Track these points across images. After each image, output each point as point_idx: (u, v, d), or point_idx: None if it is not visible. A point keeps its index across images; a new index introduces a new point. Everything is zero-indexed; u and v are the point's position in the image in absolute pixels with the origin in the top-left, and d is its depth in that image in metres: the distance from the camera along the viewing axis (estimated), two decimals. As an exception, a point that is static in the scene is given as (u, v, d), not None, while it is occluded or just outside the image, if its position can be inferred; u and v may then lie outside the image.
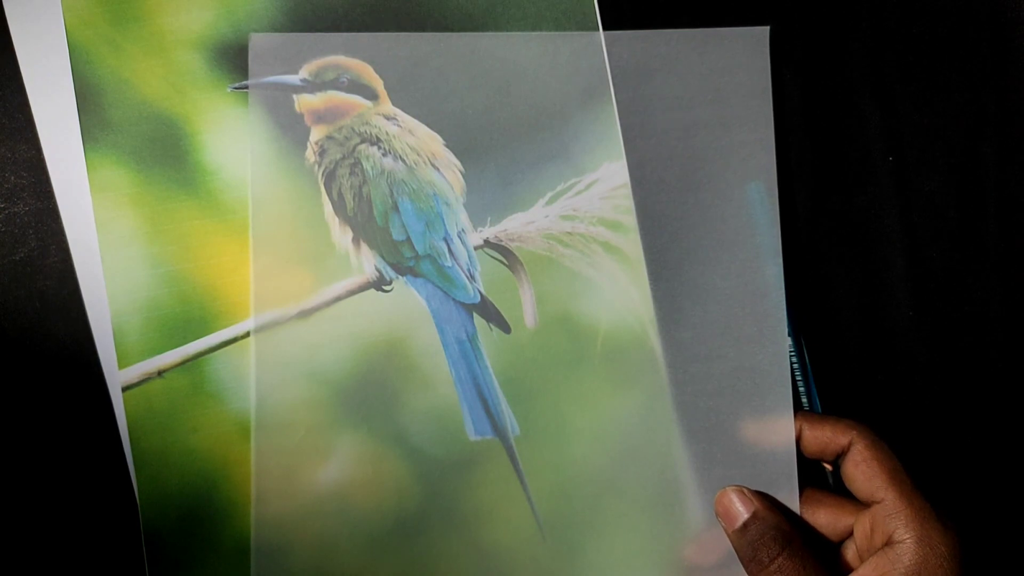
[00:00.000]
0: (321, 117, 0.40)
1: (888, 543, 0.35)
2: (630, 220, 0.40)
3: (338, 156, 0.40)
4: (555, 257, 0.40)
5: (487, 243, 0.40)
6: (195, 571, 0.39)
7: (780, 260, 0.40)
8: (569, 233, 0.40)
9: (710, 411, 0.40)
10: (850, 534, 0.38)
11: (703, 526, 0.39)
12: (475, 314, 0.40)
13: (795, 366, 0.42)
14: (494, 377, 0.40)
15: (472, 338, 0.40)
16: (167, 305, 0.39)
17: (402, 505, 0.40)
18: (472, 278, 0.40)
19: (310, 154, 0.40)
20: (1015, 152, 0.44)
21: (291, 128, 0.40)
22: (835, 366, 0.43)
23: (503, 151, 0.40)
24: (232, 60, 0.40)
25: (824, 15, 0.44)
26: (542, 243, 0.40)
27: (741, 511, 0.38)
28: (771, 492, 0.39)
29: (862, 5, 0.44)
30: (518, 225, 0.40)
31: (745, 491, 0.38)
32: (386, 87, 0.40)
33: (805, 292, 0.43)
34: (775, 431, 0.39)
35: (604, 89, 0.40)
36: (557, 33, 0.40)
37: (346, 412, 0.39)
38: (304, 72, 0.40)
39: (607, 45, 0.40)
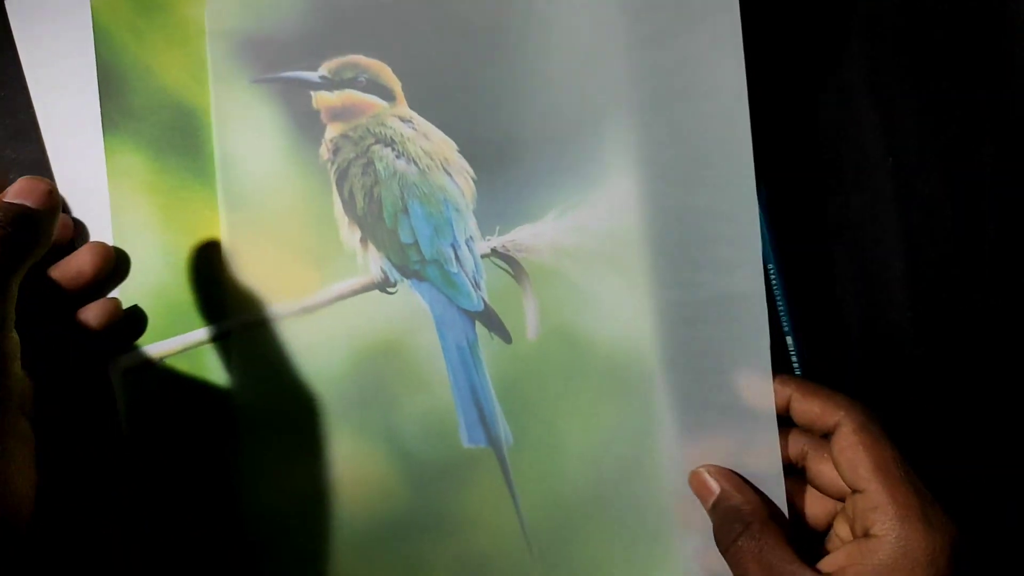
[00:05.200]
0: (337, 115, 0.40)
1: (866, 535, 0.34)
2: (637, 235, 0.39)
3: (351, 155, 0.40)
4: (561, 270, 0.40)
5: (494, 252, 0.40)
6: (186, 558, 0.39)
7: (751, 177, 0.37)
8: (576, 246, 0.40)
9: (687, 342, 0.38)
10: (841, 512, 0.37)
11: (692, 556, 0.39)
12: (477, 322, 0.40)
13: (795, 365, 0.42)
14: (491, 386, 0.40)
15: (472, 345, 0.40)
16: (173, 292, 0.40)
17: (389, 507, 0.40)
18: (477, 286, 0.40)
19: (324, 151, 0.40)
20: (1013, 154, 0.43)
21: (306, 124, 0.40)
22: (833, 367, 0.43)
23: (517, 161, 0.39)
24: (253, 52, 0.40)
25: (822, 15, 0.43)
26: (549, 255, 0.40)
27: (711, 490, 0.37)
28: (753, 449, 0.37)
29: (861, 5, 0.43)
30: (526, 236, 0.40)
31: (712, 471, 0.38)
32: (403, 89, 0.40)
33: (804, 293, 0.43)
34: (753, 369, 0.37)
35: (621, 100, 0.39)
36: (577, 41, 0.39)
37: (341, 411, 0.40)
38: (323, 69, 0.40)
39: None
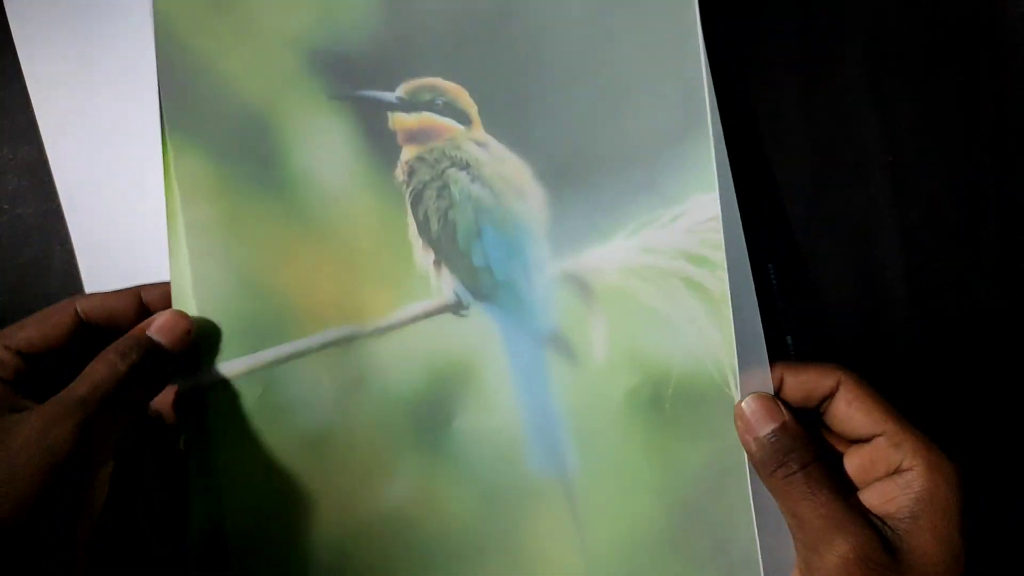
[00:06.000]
0: (413, 137, 0.40)
1: (897, 471, 0.35)
2: (718, 256, 0.39)
3: (427, 178, 0.40)
4: (631, 292, 0.39)
5: (565, 275, 0.40)
6: None
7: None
8: (648, 267, 0.39)
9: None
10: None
11: None
12: (547, 346, 0.40)
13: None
14: (560, 411, 0.39)
15: (542, 369, 0.39)
16: (242, 310, 0.38)
17: (455, 530, 0.39)
18: (548, 309, 0.40)
19: (399, 173, 0.40)
20: (1013, 151, 0.44)
21: (381, 144, 0.40)
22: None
23: (591, 184, 0.40)
24: (329, 66, 0.39)
25: (822, 13, 0.44)
26: (619, 276, 0.39)
27: (768, 419, 0.37)
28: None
29: (861, 3, 0.44)
30: (598, 258, 0.40)
31: (772, 399, 0.37)
32: (480, 113, 0.40)
33: (803, 291, 0.43)
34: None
35: (701, 117, 0.39)
36: (657, 61, 0.40)
37: (412, 431, 0.39)
38: (400, 90, 0.40)
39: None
